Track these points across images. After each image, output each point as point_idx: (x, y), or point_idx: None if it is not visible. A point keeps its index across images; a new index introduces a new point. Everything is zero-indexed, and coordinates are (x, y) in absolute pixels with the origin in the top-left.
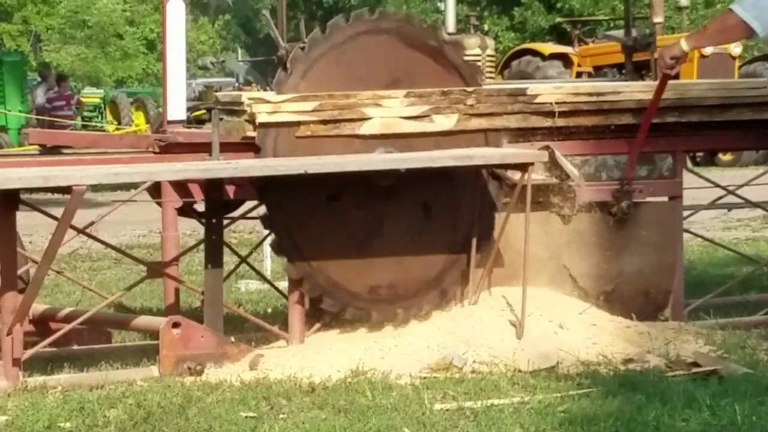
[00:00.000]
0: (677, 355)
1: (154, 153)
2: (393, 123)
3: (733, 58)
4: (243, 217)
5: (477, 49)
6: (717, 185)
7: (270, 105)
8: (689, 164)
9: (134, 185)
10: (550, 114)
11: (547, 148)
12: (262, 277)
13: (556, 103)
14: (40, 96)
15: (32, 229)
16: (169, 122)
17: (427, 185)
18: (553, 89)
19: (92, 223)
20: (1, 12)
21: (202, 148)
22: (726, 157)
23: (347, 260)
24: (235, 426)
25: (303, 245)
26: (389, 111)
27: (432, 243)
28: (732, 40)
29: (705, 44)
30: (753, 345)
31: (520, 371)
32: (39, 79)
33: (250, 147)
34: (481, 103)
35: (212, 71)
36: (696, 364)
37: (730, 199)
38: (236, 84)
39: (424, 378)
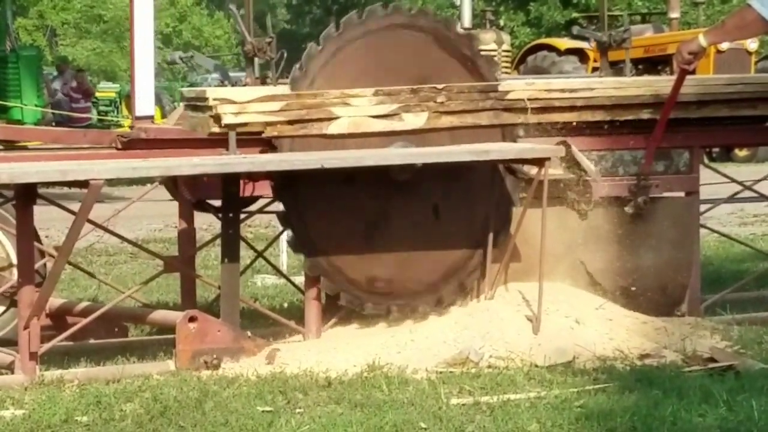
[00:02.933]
0: (694, 351)
1: (117, 149)
2: (362, 122)
3: (750, 53)
4: (260, 211)
5: (493, 44)
6: (734, 180)
7: (235, 105)
8: (705, 160)
9: (150, 180)
10: (523, 110)
11: (563, 143)
12: (279, 272)
13: (529, 99)
14: (57, 89)
15: (48, 223)
16: (137, 118)
17: (442, 182)
18: (525, 85)
19: (112, 217)
20: (17, 7)
21: (165, 144)
22: (742, 153)
23: (364, 255)
24: (251, 420)
25: (321, 242)
26: (358, 110)
27: (450, 238)
28: (750, 36)
29: (723, 39)
30: None
31: (536, 366)
32: (56, 73)
33: (215, 143)
34: (451, 100)
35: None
36: (712, 360)
37: (747, 194)
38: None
39: (441, 373)
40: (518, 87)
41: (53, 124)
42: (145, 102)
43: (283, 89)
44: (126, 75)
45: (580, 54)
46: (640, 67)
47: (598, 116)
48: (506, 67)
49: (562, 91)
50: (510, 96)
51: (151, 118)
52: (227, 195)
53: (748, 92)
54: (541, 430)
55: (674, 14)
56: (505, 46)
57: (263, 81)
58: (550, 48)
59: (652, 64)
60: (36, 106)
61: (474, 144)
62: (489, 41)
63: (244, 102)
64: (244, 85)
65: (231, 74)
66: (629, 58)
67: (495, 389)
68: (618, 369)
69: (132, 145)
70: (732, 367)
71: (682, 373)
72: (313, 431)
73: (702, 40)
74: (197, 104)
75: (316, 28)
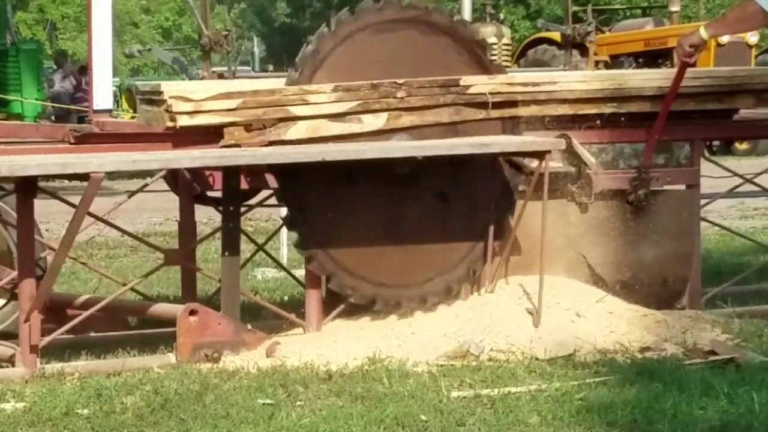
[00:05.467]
0: (694, 344)
1: (70, 144)
2: (320, 126)
3: (750, 46)
4: (260, 204)
5: (493, 37)
6: (734, 173)
7: (191, 104)
8: (705, 153)
9: (150, 173)
10: (484, 105)
11: (564, 136)
12: (279, 265)
13: (490, 93)
14: (56, 83)
15: (48, 216)
16: (95, 112)
17: (446, 174)
18: (487, 79)
19: (112, 210)
20: (17, 1)
21: (119, 139)
22: (742, 146)
23: (371, 251)
24: (252, 413)
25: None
26: (315, 108)
27: (456, 228)
28: (751, 28)
29: (724, 32)
30: None
31: (537, 359)
32: (54, 67)
33: (170, 137)
34: (411, 95)
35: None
36: (713, 353)
37: (748, 187)
38: (252, 71)
39: (441, 366)
40: (479, 81)
41: (53, 117)
42: (103, 96)
43: (240, 84)
44: (126, 69)
45: (581, 48)
46: (640, 60)
47: (561, 110)
48: (507, 61)
49: (524, 84)
50: (471, 90)
51: (109, 111)
52: (227, 188)
53: (714, 86)
54: (541, 422)
55: (675, 7)
56: (506, 40)
57: (220, 75)
58: (551, 42)
59: (653, 57)
60: (36, 99)
61: (475, 137)
62: (489, 35)
63: (200, 100)
64: (201, 79)
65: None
66: (629, 51)
67: (496, 382)
68: (619, 362)
69: (85, 139)
70: (732, 359)
71: (683, 365)
72: (314, 424)
73: (703, 33)
74: (152, 98)
75: (317, 21)
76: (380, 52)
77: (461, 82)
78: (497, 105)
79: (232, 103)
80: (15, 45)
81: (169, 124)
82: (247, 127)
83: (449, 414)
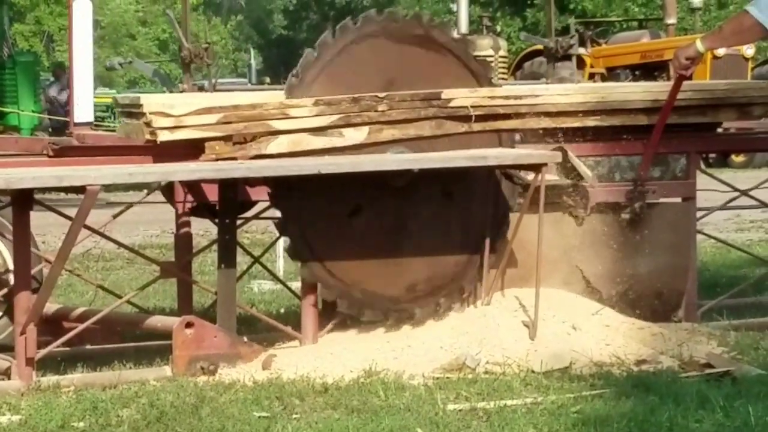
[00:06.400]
0: (690, 356)
1: (48, 157)
2: (301, 140)
3: (746, 59)
4: (256, 217)
5: (490, 50)
6: (731, 186)
7: (171, 119)
8: (702, 165)
9: (146, 185)
10: (467, 118)
11: (560, 149)
12: (275, 278)
13: (473, 106)
14: (53, 95)
15: (45, 229)
16: (76, 124)
17: (447, 183)
18: (468, 92)
19: (108, 222)
20: (14, 12)
21: (98, 152)
22: (739, 159)
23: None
24: (248, 426)
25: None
26: (297, 122)
27: (453, 240)
28: (748, 41)
29: (720, 45)
30: (766, 346)
31: (533, 372)
32: (52, 79)
33: (150, 151)
34: (393, 109)
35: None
36: (709, 365)
37: (744, 200)
38: (248, 83)
39: (437, 378)
40: (461, 94)
41: (50, 129)
42: (84, 109)
43: (220, 98)
44: (123, 81)
45: (577, 60)
46: (637, 73)
47: (544, 123)
48: (503, 73)
49: (506, 98)
50: (453, 104)
51: (90, 124)
52: (224, 200)
53: (696, 99)
54: None
55: (671, 20)
56: (502, 52)
57: (201, 88)
58: None
59: (649, 69)
60: (33, 111)
61: (472, 149)
62: (486, 47)
63: (180, 115)
64: (181, 92)
65: (225, 80)
66: (626, 64)
67: (492, 395)
68: (615, 375)
69: (63, 152)
70: (729, 372)
71: (679, 378)
72: None
73: (699, 46)
74: (131, 111)
75: (313, 33)
76: (381, 62)
77: (443, 96)
78: (480, 118)
79: (212, 118)
80: (12, 57)
81: (149, 137)
82: (228, 141)
83: (445, 427)
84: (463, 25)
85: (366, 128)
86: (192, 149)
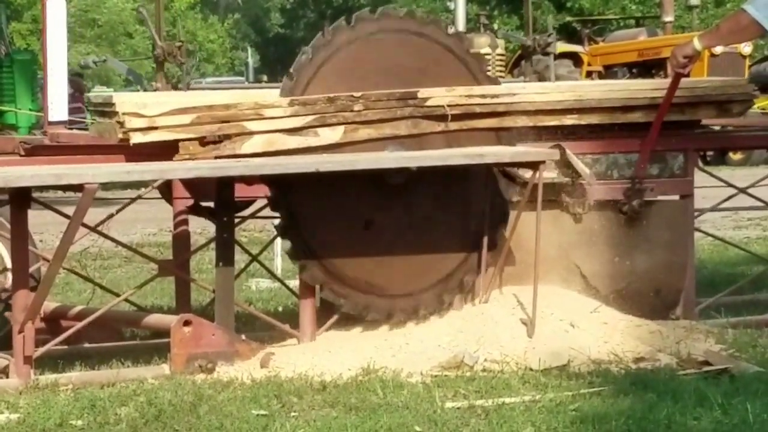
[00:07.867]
0: (688, 354)
1: (20, 156)
2: (276, 140)
3: (744, 57)
4: (254, 215)
5: (487, 48)
6: (728, 184)
7: (144, 120)
8: (699, 163)
9: (144, 184)
10: (443, 118)
11: (558, 146)
12: (273, 276)
13: (449, 105)
14: None
15: (42, 227)
16: (50, 123)
17: (442, 183)
18: (445, 92)
19: (105, 220)
20: (11, 11)
21: (69, 151)
22: (736, 156)
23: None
24: (246, 424)
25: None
26: (271, 123)
27: (451, 237)
28: (745, 40)
29: (718, 43)
30: (764, 344)
31: (531, 370)
32: None
33: (123, 150)
34: (369, 109)
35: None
36: (707, 363)
37: (742, 197)
38: (246, 82)
39: (435, 376)
40: (437, 93)
41: None
42: (58, 108)
43: (194, 98)
44: (120, 80)
45: (574, 58)
46: (634, 70)
47: (521, 122)
48: (501, 71)
49: (483, 96)
50: (429, 103)
51: (64, 123)
52: (221, 198)
53: (676, 97)
54: None
55: (668, 18)
56: (500, 50)
57: (175, 87)
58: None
59: (646, 67)
60: (30, 110)
61: (470, 147)
62: (483, 45)
63: (153, 116)
64: (155, 90)
65: (223, 78)
66: (623, 62)
67: (490, 393)
68: (613, 372)
69: (35, 151)
70: (727, 370)
71: (677, 376)
72: None
73: (696, 44)
74: (104, 110)
75: (311, 31)
76: (376, 62)
77: (419, 95)
78: (456, 117)
79: (186, 119)
80: (9, 55)
81: (122, 137)
82: (202, 141)
83: (443, 425)
84: (460, 23)
85: (341, 128)
86: (166, 149)
